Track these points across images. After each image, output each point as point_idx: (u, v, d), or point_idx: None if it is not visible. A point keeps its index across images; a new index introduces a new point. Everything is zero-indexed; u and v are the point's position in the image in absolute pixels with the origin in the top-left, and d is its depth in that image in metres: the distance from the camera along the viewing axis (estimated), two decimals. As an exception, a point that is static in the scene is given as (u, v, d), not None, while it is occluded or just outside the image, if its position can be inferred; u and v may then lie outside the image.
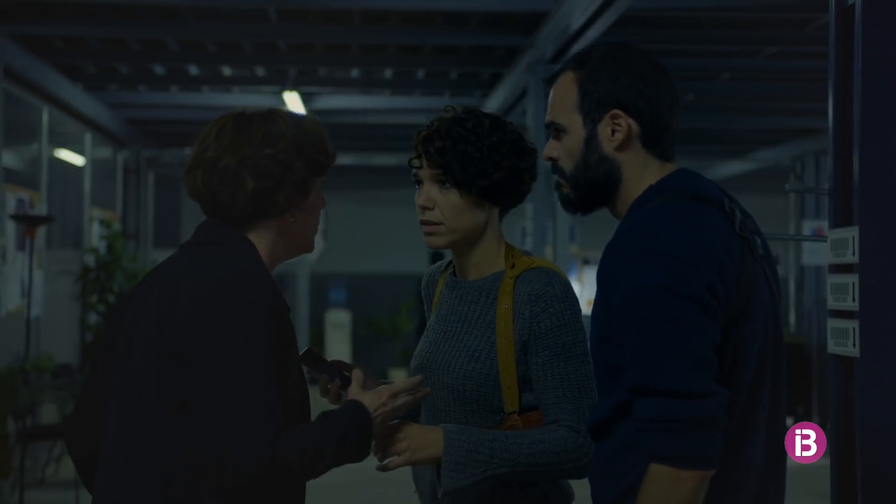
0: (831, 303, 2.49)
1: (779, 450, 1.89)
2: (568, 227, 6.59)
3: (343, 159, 12.41)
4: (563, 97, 1.93)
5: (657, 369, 1.71)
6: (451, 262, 2.38)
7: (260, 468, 1.79)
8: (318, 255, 14.55)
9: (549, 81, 1.99)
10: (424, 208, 2.24)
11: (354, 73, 8.77)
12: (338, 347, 14.17)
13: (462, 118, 2.22)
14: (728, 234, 1.82)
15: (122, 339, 1.93)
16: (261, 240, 1.98)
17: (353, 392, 1.99)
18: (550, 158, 1.96)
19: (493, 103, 8.58)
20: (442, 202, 2.22)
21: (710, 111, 9.92)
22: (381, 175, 14.00)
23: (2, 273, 6.95)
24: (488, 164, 2.19)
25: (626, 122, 1.88)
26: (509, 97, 8.01)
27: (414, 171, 2.26)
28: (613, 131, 1.89)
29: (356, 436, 1.92)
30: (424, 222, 2.24)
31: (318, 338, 14.01)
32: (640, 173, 1.90)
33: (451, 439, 2.09)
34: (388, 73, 8.74)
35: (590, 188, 1.92)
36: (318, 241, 13.03)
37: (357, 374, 2.04)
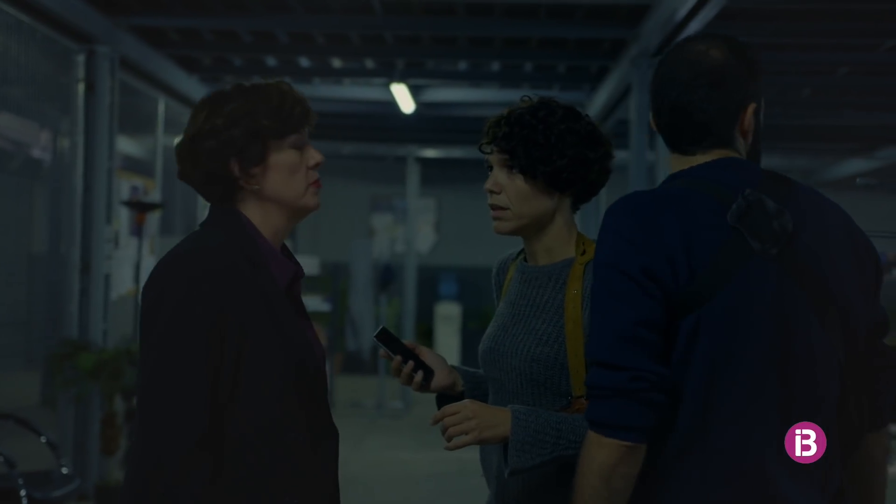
0: (901, 303, 2.40)
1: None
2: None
3: (453, 152, 12.50)
4: None
5: (594, 341, 1.84)
6: (522, 250, 2.42)
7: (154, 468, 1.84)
8: (429, 247, 14.65)
9: None
10: (492, 192, 2.30)
11: (462, 65, 8.78)
12: (447, 340, 14.23)
13: (536, 107, 2.29)
14: (709, 225, 1.82)
15: None
16: (250, 210, 2.04)
17: None
18: None
19: (600, 98, 8.48)
20: (508, 187, 2.27)
21: (829, 107, 9.62)
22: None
23: (115, 257, 7.19)
24: (553, 151, 2.24)
25: (651, 118, 2.01)
26: (615, 92, 7.91)
27: (486, 156, 2.32)
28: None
29: None
30: (492, 206, 2.30)
31: (426, 331, 14.10)
32: (675, 165, 1.97)
33: (518, 419, 2.12)
34: (495, 65, 8.74)
35: None
36: (429, 233, 13.00)
37: None
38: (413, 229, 12.63)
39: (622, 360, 1.79)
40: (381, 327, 2.33)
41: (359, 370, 12.82)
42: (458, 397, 2.39)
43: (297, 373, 1.97)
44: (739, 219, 1.81)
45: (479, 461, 2.38)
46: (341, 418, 10.61)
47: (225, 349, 1.89)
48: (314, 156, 2.08)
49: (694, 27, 5.84)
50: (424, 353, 2.36)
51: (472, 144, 10.25)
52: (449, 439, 2.13)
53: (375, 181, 14.50)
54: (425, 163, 12.94)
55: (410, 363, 2.31)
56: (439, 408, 2.38)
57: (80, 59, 6.81)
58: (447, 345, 14.22)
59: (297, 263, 2.11)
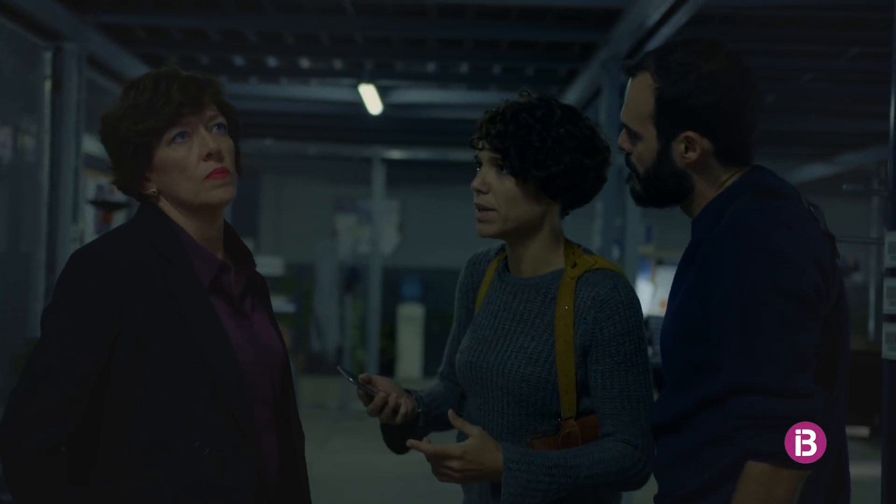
0: (887, 307, 2.43)
1: (843, 442, 1.89)
2: (638, 227, 6.50)
3: (418, 153, 12.50)
4: (639, 104, 1.90)
5: (761, 368, 1.72)
6: (499, 251, 2.29)
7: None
8: (393, 248, 14.63)
9: (629, 72, 1.95)
10: (479, 191, 2.16)
11: (430, 67, 8.78)
12: (409, 342, 14.22)
13: (534, 105, 2.14)
14: (817, 232, 1.81)
15: None
16: (167, 209, 1.94)
17: None
18: (623, 149, 1.96)
19: (569, 100, 8.50)
20: (497, 187, 2.14)
21: (792, 112, 9.73)
22: (456, 170, 13.96)
23: (80, 257, 7.12)
24: (549, 155, 2.10)
25: (700, 145, 1.86)
26: (584, 94, 7.96)
27: (476, 152, 2.18)
28: (687, 149, 1.87)
29: None
30: (477, 205, 2.17)
31: (389, 332, 14.08)
32: (717, 179, 1.90)
33: (510, 469, 2.02)
34: (464, 67, 8.75)
35: (660, 194, 1.93)
36: (393, 234, 13.02)
37: None
38: (378, 230, 12.61)
39: (800, 387, 1.72)
40: (342, 369, 2.21)
41: (323, 371, 12.78)
42: (414, 422, 2.24)
43: (208, 378, 1.85)
44: (825, 226, 1.83)
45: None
46: (305, 420, 10.58)
47: (116, 350, 1.81)
48: (204, 145, 1.90)
49: (666, 32, 5.88)
50: (379, 384, 2.21)
51: (438, 146, 10.30)
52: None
53: (339, 182, 14.46)
54: (390, 164, 12.93)
55: (394, 396, 2.17)
56: (385, 435, 2.27)
57: (48, 56, 6.73)
58: (410, 346, 14.22)
59: (240, 257, 1.99)
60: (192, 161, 1.90)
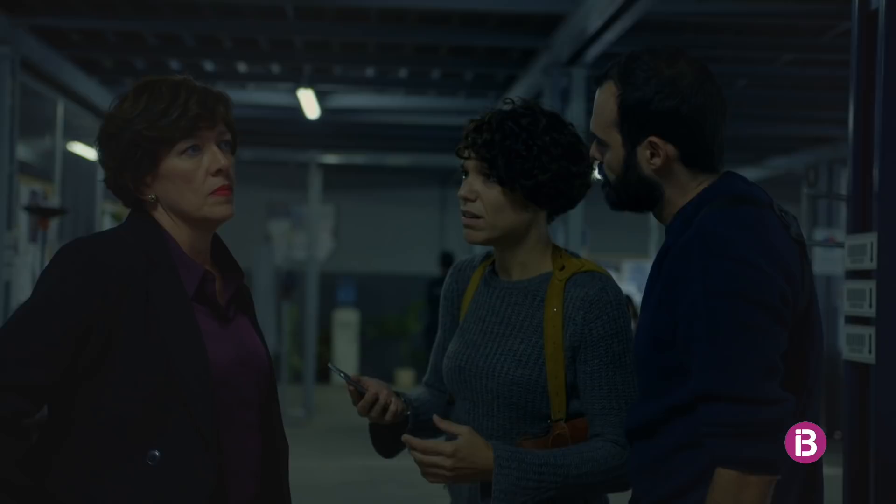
0: (847, 309, 2.48)
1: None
2: (579, 231, 6.54)
3: (355, 158, 12.45)
4: (604, 112, 1.93)
5: (729, 375, 1.73)
6: (485, 258, 2.31)
7: None
8: (328, 253, 14.56)
9: (596, 82, 1.98)
10: (466, 199, 2.17)
11: (369, 72, 8.77)
12: (345, 348, 14.15)
13: (518, 113, 2.15)
14: (787, 239, 1.83)
15: None
16: (161, 218, 1.93)
17: None
18: (595, 159, 2.00)
19: (508, 105, 8.55)
20: (484, 195, 2.14)
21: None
22: (393, 175, 14.00)
23: (14, 265, 6.97)
24: (535, 164, 2.12)
25: (664, 150, 1.89)
26: (524, 99, 8.00)
27: (462, 161, 2.19)
28: (652, 154, 1.89)
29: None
30: (464, 213, 2.18)
31: (325, 337, 13.99)
32: (686, 186, 1.91)
33: (501, 467, 2.03)
34: (403, 72, 8.74)
35: (631, 201, 1.96)
36: (327, 239, 12.87)
37: None
38: (314, 235, 12.54)
39: (771, 394, 1.74)
40: (333, 367, 2.21)
41: (259, 378, 12.66)
42: (402, 425, 2.25)
43: (175, 385, 1.83)
44: (797, 233, 1.85)
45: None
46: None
47: (87, 350, 1.80)
48: (216, 161, 1.90)
49: (608, 38, 5.94)
50: (368, 383, 2.22)
51: (375, 151, 10.26)
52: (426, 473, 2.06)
53: (272, 187, 14.35)
54: (325, 169, 12.87)
55: (385, 394, 2.19)
56: (374, 437, 2.29)
57: (-20, 59, 6.58)
58: (345, 352, 14.15)
59: (228, 268, 2.00)
60: (200, 175, 1.90)
